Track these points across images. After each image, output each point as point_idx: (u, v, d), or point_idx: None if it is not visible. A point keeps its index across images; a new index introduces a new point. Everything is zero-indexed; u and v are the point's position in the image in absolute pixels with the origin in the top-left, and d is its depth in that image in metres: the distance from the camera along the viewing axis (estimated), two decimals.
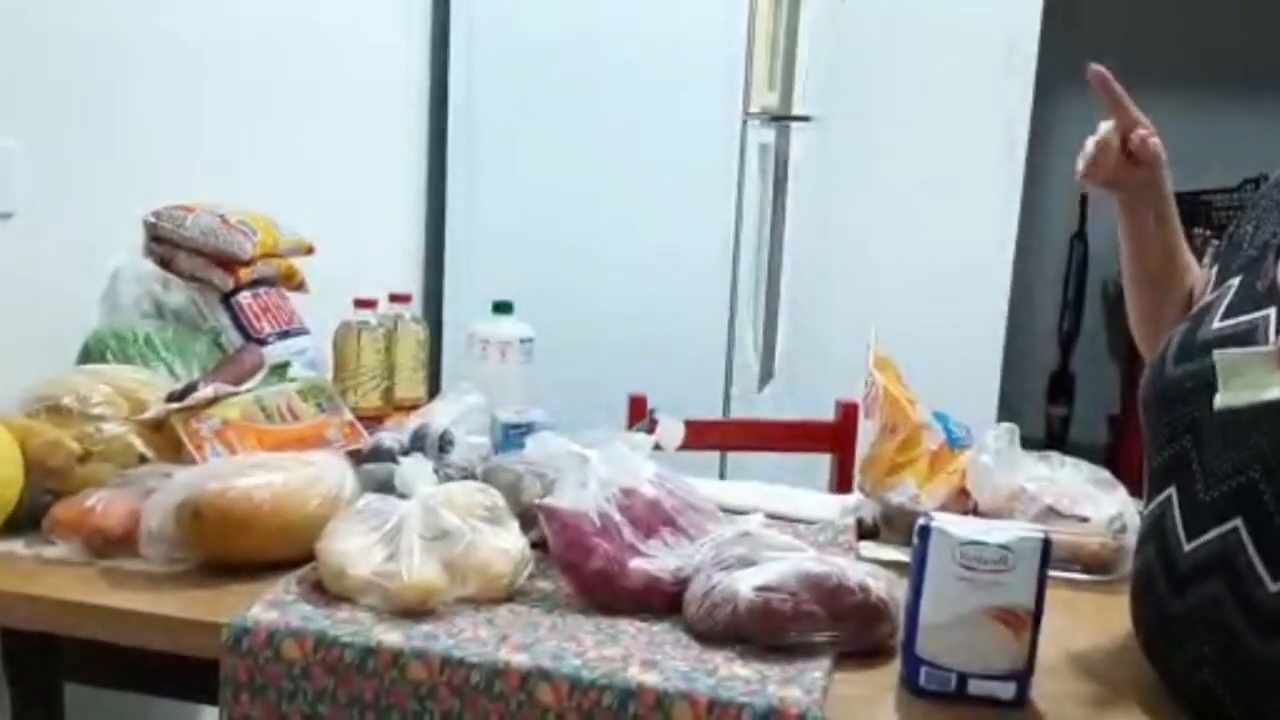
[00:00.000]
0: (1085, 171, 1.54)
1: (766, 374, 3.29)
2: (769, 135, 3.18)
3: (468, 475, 1.75)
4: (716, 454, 2.96)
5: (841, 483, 2.32)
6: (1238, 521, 1.29)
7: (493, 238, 3.14)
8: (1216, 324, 1.40)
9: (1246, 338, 1.35)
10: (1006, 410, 4.23)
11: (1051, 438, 5.55)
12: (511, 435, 1.85)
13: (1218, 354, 1.27)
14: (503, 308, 2.12)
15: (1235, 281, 1.44)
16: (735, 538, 1.56)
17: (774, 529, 1.65)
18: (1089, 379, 5.61)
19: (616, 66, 3.03)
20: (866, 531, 1.87)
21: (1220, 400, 1.26)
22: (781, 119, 3.23)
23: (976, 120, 3.77)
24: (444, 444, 1.80)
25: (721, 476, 2.92)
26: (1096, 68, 1.54)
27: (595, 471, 1.64)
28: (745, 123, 3.00)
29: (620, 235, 3.07)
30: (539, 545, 1.62)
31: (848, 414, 2.38)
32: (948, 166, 3.81)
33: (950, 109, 3.79)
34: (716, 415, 3.02)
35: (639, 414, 2.25)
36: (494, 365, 2.07)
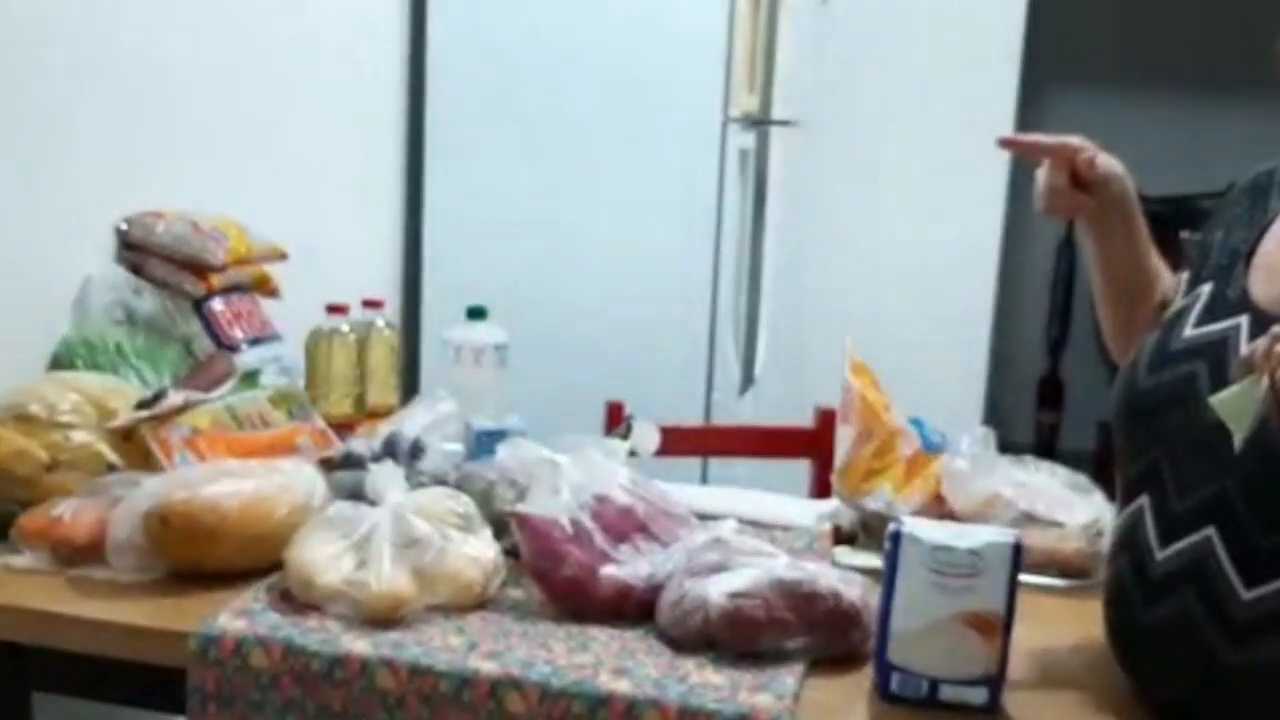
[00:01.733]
0: (1045, 208, 1.53)
1: (747, 379, 3.28)
2: (749, 140, 3.17)
3: (440, 482, 1.74)
4: (698, 460, 2.95)
5: (820, 488, 2.30)
6: (1210, 530, 1.28)
7: (472, 242, 3.13)
8: (1188, 332, 1.39)
9: (1219, 347, 1.34)
10: (995, 417, 4.23)
11: (1041, 444, 5.54)
12: (485, 442, 1.84)
13: (1212, 401, 1.24)
14: (477, 313, 2.10)
15: (1206, 289, 1.43)
16: (708, 544, 1.55)
17: (748, 535, 1.64)
18: (1078, 385, 5.59)
19: (596, 71, 3.02)
20: (844, 537, 1.85)
21: (1239, 441, 1.24)
22: (761, 123, 3.22)
23: (960, 123, 3.76)
24: (415, 451, 1.79)
25: (703, 482, 2.91)
26: (999, 138, 1.58)
27: (568, 478, 1.63)
28: (725, 127, 3.00)
29: (600, 240, 3.06)
30: (512, 553, 1.61)
31: (825, 420, 2.36)
32: (931, 170, 3.81)
33: (933, 112, 3.78)
34: (698, 421, 3.01)
35: (616, 420, 2.24)
36: (468, 371, 2.06)
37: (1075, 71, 5.35)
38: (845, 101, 3.70)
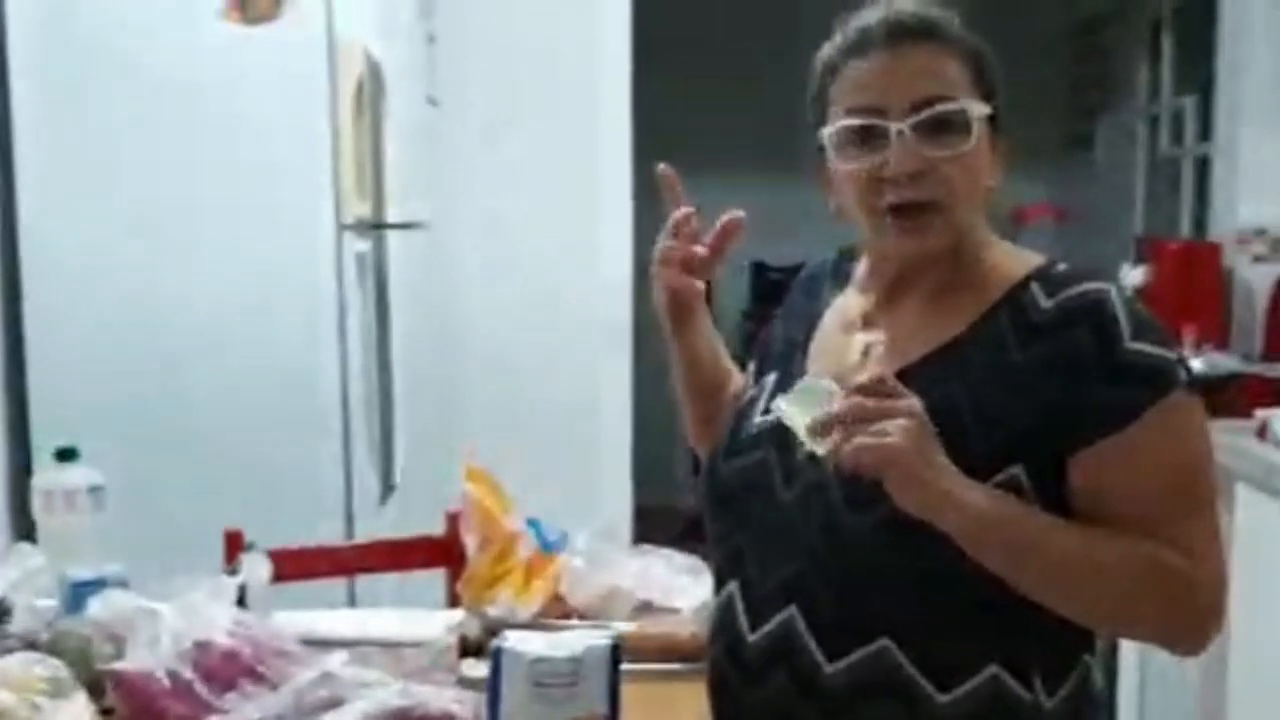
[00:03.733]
0: (659, 265, 1.53)
1: (387, 488, 3.22)
2: (366, 245, 3.14)
3: (31, 644, 1.63)
4: (343, 579, 2.85)
5: (453, 598, 2.27)
6: (792, 609, 1.33)
7: (74, 372, 2.93)
8: (757, 419, 1.45)
9: (783, 431, 1.38)
10: (650, 483, 4.30)
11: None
12: (81, 594, 1.73)
13: (775, 405, 1.31)
14: (66, 454, 1.98)
15: (771, 378, 1.49)
16: (316, 680, 1.51)
17: (373, 658, 1.61)
18: None
19: (203, 190, 2.92)
20: (471, 648, 1.83)
21: (783, 402, 1.29)
22: (377, 227, 3.20)
23: (579, 210, 3.87)
24: (0, 613, 1.66)
25: (350, 600, 2.83)
26: (662, 169, 1.57)
27: (168, 627, 1.56)
28: (340, 234, 2.96)
29: (217, 357, 2.93)
30: (111, 712, 1.52)
31: (456, 526, 2.34)
32: (553, 257, 3.89)
33: (552, 203, 3.87)
34: (338, 536, 2.93)
35: (235, 549, 2.15)
36: (60, 518, 1.93)
37: (688, 155, 5.59)
38: (465, 199, 3.74)
